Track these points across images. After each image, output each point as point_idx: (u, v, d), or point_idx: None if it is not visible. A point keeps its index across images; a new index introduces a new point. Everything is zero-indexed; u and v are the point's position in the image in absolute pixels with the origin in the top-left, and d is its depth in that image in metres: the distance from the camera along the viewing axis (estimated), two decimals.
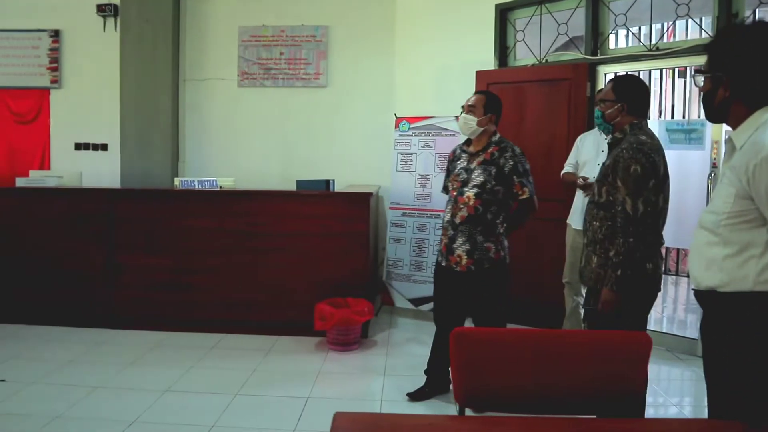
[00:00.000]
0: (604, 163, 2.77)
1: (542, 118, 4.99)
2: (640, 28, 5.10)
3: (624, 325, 2.49)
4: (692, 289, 1.93)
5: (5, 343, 4.45)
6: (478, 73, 5.26)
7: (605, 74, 4.85)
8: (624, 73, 4.40)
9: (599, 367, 1.59)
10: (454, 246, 3.32)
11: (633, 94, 2.69)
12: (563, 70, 4.90)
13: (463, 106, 3.44)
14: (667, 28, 4.69)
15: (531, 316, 5.00)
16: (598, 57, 4.81)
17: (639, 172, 2.49)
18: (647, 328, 2.76)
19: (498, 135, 3.45)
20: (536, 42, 5.25)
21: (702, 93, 1.91)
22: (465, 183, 3.33)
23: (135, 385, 3.71)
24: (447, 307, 3.49)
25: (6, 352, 4.25)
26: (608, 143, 2.83)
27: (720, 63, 1.81)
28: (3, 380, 3.73)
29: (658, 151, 2.59)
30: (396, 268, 5.38)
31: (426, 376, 3.63)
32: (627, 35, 5.17)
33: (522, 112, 5.08)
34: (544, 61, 5.13)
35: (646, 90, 2.82)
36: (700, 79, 1.89)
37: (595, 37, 4.85)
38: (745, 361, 1.70)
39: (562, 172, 4.46)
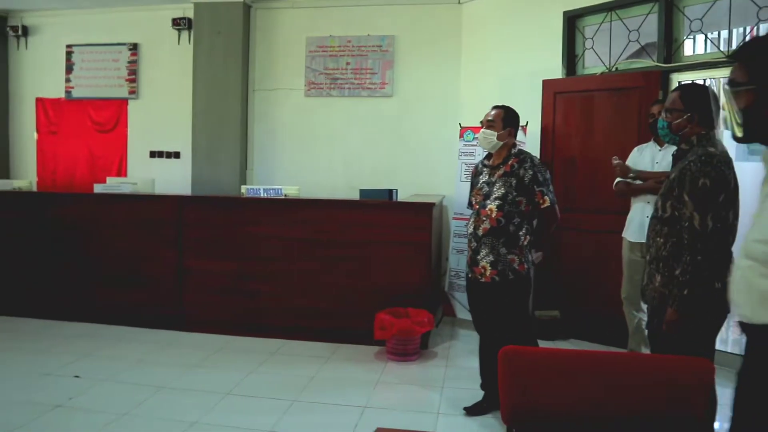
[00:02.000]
0: (668, 177, 2.64)
1: (611, 128, 4.84)
2: (719, 33, 4.87)
3: (690, 347, 2.35)
4: (740, 322, 1.73)
5: (82, 342, 4.67)
6: (544, 81, 5.16)
7: (679, 82, 4.65)
8: (690, 82, 4.23)
9: (655, 392, 1.51)
10: (478, 257, 3.32)
11: (702, 104, 2.55)
12: (634, 78, 4.74)
13: (482, 121, 3.43)
14: (748, 33, 4.45)
15: (595, 332, 4.86)
16: (671, 64, 4.62)
17: (708, 185, 2.35)
18: (716, 348, 2.61)
19: (517, 147, 3.44)
20: (606, 50, 5.10)
21: (741, 107, 1.69)
22: (487, 196, 3.33)
23: (198, 387, 3.82)
24: (481, 317, 3.48)
25: (82, 350, 4.46)
26: (673, 155, 2.71)
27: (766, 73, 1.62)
28: (77, 377, 3.91)
29: (728, 163, 2.44)
30: (458, 279, 5.32)
31: (483, 391, 3.57)
32: (705, 41, 4.93)
33: (590, 121, 4.95)
34: (614, 69, 4.98)
35: (715, 99, 2.67)
36: (735, 93, 1.70)
37: (669, 43, 4.67)
38: None
39: (615, 182, 4.30)
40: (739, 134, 1.76)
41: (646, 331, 4.28)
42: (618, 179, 4.27)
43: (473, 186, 3.56)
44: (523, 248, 3.29)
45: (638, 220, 4.17)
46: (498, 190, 3.30)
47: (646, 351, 4.29)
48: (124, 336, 4.84)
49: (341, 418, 3.40)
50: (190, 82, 6.37)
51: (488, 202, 3.31)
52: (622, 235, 4.32)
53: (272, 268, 4.85)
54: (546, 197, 3.27)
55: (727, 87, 1.76)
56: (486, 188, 3.37)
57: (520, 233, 3.28)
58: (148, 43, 6.64)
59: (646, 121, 4.28)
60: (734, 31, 4.65)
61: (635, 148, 4.36)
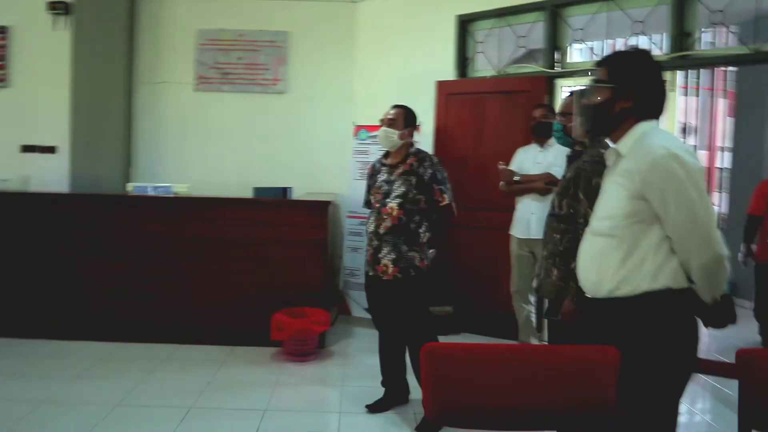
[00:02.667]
0: (564, 176, 2.80)
1: (501, 129, 5.04)
2: (602, 42, 5.21)
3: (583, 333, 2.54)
4: (588, 298, 2.00)
5: None
6: (438, 83, 5.28)
7: (563, 87, 4.94)
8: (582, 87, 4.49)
9: (571, 381, 1.60)
10: (380, 256, 3.36)
11: None
12: (522, 83, 4.96)
13: (381, 120, 3.48)
14: (622, 43, 4.80)
15: (486, 326, 5.05)
16: (557, 70, 4.88)
17: (601, 184, 2.52)
18: None
19: (415, 146, 3.53)
20: (495, 53, 5.30)
21: (592, 104, 1.99)
22: (387, 194, 3.38)
23: (84, 400, 3.56)
24: (382, 314, 3.53)
25: None
26: (567, 156, 2.87)
27: (624, 76, 1.92)
28: None
29: None
30: (353, 277, 5.34)
31: (384, 387, 3.61)
32: (582, 50, 5.26)
33: (481, 122, 5.13)
34: (503, 73, 5.18)
35: None
36: (593, 90, 1.98)
37: (554, 50, 4.92)
38: (649, 360, 1.77)
39: (501, 183, 4.51)
40: (587, 127, 2.14)
41: (535, 323, 4.55)
42: (503, 182, 4.47)
43: (370, 185, 3.57)
44: (424, 245, 3.36)
45: (525, 218, 4.39)
46: (398, 189, 3.34)
47: (535, 341, 4.53)
48: None
49: (241, 422, 3.31)
50: (67, 71, 5.93)
51: (389, 200, 3.35)
52: (510, 233, 4.53)
53: (162, 270, 4.64)
54: (445, 195, 3.35)
55: (589, 84, 2.03)
56: (386, 187, 3.40)
57: (420, 231, 3.34)
58: (19, 26, 6.09)
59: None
60: (610, 41, 5.00)
61: (519, 149, 4.58)
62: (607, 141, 2.06)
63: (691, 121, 7.07)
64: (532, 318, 4.53)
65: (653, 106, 1.95)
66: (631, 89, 1.91)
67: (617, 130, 1.96)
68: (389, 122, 3.46)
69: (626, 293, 1.83)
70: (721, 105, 7.06)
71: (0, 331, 4.61)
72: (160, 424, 3.26)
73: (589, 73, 2.06)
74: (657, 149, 1.78)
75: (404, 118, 3.47)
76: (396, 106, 3.54)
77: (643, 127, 1.91)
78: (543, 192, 4.27)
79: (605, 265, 1.89)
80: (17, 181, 5.18)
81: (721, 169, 7.05)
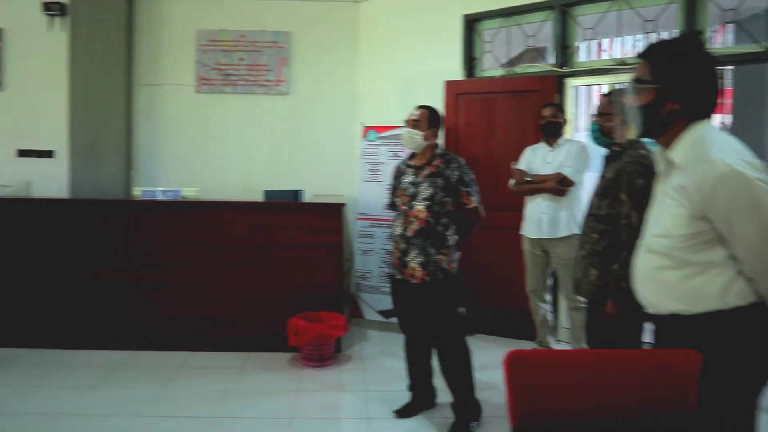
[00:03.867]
0: (603, 176, 2.78)
1: (511, 129, 5.02)
2: (612, 41, 5.21)
3: (623, 336, 2.52)
4: (651, 313, 1.89)
5: None
6: (447, 83, 5.24)
7: (573, 86, 4.93)
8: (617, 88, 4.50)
9: (653, 386, 1.56)
10: (407, 259, 3.29)
11: None
12: (532, 82, 4.95)
13: (406, 121, 3.43)
14: (634, 43, 4.81)
15: (500, 327, 5.03)
16: (567, 69, 4.87)
17: (643, 185, 2.51)
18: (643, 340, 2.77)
19: (441, 148, 3.47)
20: (503, 52, 5.28)
21: (636, 105, 1.83)
22: (414, 197, 3.32)
23: (101, 411, 3.48)
24: (410, 318, 3.47)
25: None
26: (605, 157, 2.85)
27: (671, 74, 1.76)
28: None
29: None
30: (365, 280, 5.29)
31: (410, 392, 3.57)
32: (590, 49, 5.26)
33: (491, 122, 5.10)
34: (512, 72, 5.16)
35: None
36: (635, 91, 1.83)
37: (563, 49, 4.92)
38: (719, 379, 1.68)
39: (510, 183, 4.50)
40: (637, 131, 1.90)
41: (552, 322, 4.54)
42: (513, 181, 4.46)
43: (395, 187, 3.52)
44: (451, 248, 3.31)
45: (536, 218, 4.37)
46: (425, 191, 3.29)
47: (552, 341, 4.53)
48: (4, 359, 4.31)
49: (270, 431, 3.24)
50: (64, 74, 5.79)
51: (415, 203, 3.29)
52: (521, 232, 4.52)
53: (174, 276, 4.54)
54: (472, 197, 3.31)
55: (629, 85, 1.87)
56: (412, 189, 3.34)
57: (448, 233, 3.30)
58: (13, 28, 5.93)
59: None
60: (621, 39, 5.00)
61: (528, 149, 4.57)
62: (653, 143, 1.97)
63: None
64: (548, 317, 4.53)
65: (706, 105, 1.78)
66: (679, 89, 1.75)
67: (667, 133, 1.81)
68: (413, 123, 3.40)
69: (691, 313, 1.72)
70: None
71: (9, 341, 4.48)
72: None
73: (634, 64, 1.88)
74: (718, 166, 1.62)
75: (428, 119, 3.41)
76: (420, 107, 3.49)
77: (696, 131, 1.75)
78: (555, 192, 4.26)
79: (664, 285, 1.79)
80: (18, 187, 5.04)
81: None
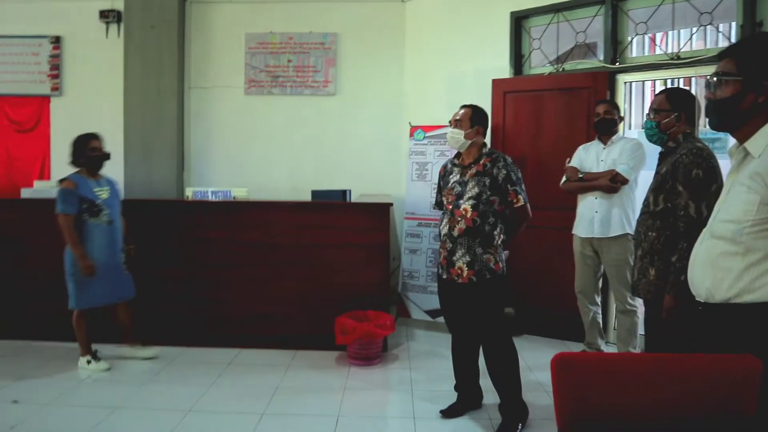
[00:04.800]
0: (658, 172, 2.73)
1: (560, 127, 4.94)
2: (666, 35, 5.06)
3: (682, 333, 2.44)
4: (700, 302, 1.89)
5: (13, 362, 4.30)
6: (494, 81, 5.19)
7: (625, 83, 4.81)
8: (675, 86, 4.43)
9: (707, 392, 1.51)
10: (454, 258, 3.27)
11: (687, 104, 2.74)
12: (582, 79, 4.85)
13: (450, 121, 3.40)
14: (690, 36, 4.65)
15: (548, 327, 4.95)
16: (618, 66, 4.76)
17: (701, 176, 2.52)
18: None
19: (488, 146, 3.42)
20: (552, 49, 5.20)
21: (717, 98, 1.87)
22: (460, 196, 3.28)
23: (156, 405, 3.58)
24: (456, 318, 3.44)
25: (14, 371, 4.08)
26: (660, 153, 2.80)
27: (757, 68, 1.78)
28: (16, 402, 3.57)
29: (714, 157, 2.60)
30: (412, 279, 5.29)
31: (457, 392, 3.55)
32: (644, 43, 5.13)
33: (540, 120, 5.03)
34: (561, 69, 5.08)
35: (696, 101, 2.81)
36: (719, 84, 1.86)
37: (614, 44, 4.80)
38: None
39: (562, 181, 4.42)
40: (716, 122, 1.94)
41: (600, 322, 4.44)
42: (565, 178, 4.37)
43: (441, 187, 3.50)
44: (498, 247, 3.28)
45: (588, 217, 4.28)
46: (471, 190, 3.26)
47: (602, 343, 4.43)
48: (62, 353, 4.47)
49: (317, 428, 3.27)
50: (119, 79, 5.99)
51: (462, 202, 3.27)
52: (573, 232, 4.43)
53: (224, 275, 4.63)
54: (519, 196, 3.26)
55: (716, 76, 1.88)
56: (458, 188, 3.32)
57: (495, 232, 3.26)
58: (72, 36, 6.19)
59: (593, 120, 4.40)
60: (675, 34, 4.86)
61: (580, 147, 4.48)
62: (703, 136, 1.96)
63: None
64: (598, 319, 4.43)
65: None
66: (764, 82, 1.77)
67: (745, 126, 1.83)
68: (455, 123, 3.38)
69: (749, 301, 1.72)
70: None
71: (61, 336, 4.63)
72: (235, 430, 3.23)
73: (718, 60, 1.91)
74: None
75: (470, 118, 3.37)
76: (464, 106, 3.45)
77: None
78: (607, 190, 4.17)
79: (725, 270, 1.79)
80: None
81: None
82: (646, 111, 2.90)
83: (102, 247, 4.07)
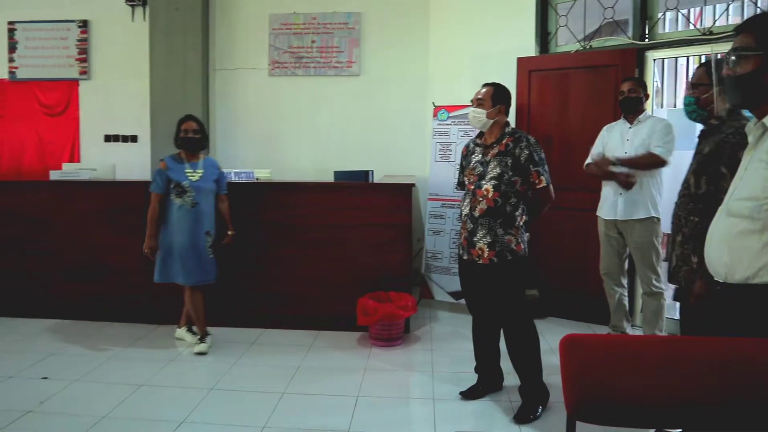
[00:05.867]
0: (699, 152, 2.60)
1: (587, 106, 4.83)
2: (689, 11, 4.89)
3: (715, 318, 2.33)
4: (718, 282, 1.86)
5: (44, 339, 4.41)
6: (519, 59, 5.10)
7: (654, 60, 4.68)
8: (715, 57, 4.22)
9: (725, 375, 1.46)
10: (475, 239, 3.23)
11: None
12: (610, 56, 4.73)
13: (472, 100, 3.33)
14: (722, 11, 4.47)
15: (573, 310, 4.89)
16: (647, 42, 4.63)
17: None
18: None
19: (510, 126, 3.35)
20: (578, 27, 5.07)
21: (736, 74, 1.80)
22: (482, 176, 3.23)
23: (179, 383, 3.64)
24: (477, 299, 3.41)
25: (46, 349, 4.20)
26: (702, 131, 2.67)
27: None
28: (45, 378, 3.67)
29: None
30: (435, 261, 5.26)
31: (477, 374, 3.53)
32: (677, 19, 4.96)
33: (566, 99, 4.93)
34: (588, 47, 4.95)
35: None
36: (737, 59, 1.80)
37: (643, 21, 4.67)
38: None
39: (586, 163, 4.32)
40: (734, 101, 1.92)
41: (626, 304, 4.35)
42: (588, 161, 4.27)
43: (463, 167, 3.45)
44: (519, 228, 3.23)
45: (612, 199, 4.18)
46: (493, 170, 3.21)
47: (628, 326, 4.36)
48: (91, 331, 4.59)
49: (335, 409, 3.29)
50: (145, 62, 6.05)
51: (483, 182, 3.22)
52: (597, 214, 4.34)
53: (246, 255, 4.66)
54: (542, 177, 3.20)
55: (734, 52, 1.82)
56: (480, 168, 3.27)
57: (517, 213, 3.21)
58: (99, 20, 6.26)
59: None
60: (710, 9, 4.68)
61: (604, 128, 4.36)
62: (748, 114, 1.89)
63: None
64: (624, 301, 4.35)
65: None
66: None
67: (765, 104, 1.77)
68: (477, 102, 3.32)
69: (765, 282, 1.67)
70: None
71: (91, 315, 4.78)
72: (256, 408, 3.27)
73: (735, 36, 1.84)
74: None
75: (492, 97, 3.30)
76: (486, 85, 3.39)
77: None
78: (625, 185, 4.03)
79: (743, 249, 1.74)
80: (104, 171, 5.31)
81: None
82: (683, 88, 2.77)
83: (183, 228, 4.11)
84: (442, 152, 5.28)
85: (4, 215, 4.89)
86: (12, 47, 6.37)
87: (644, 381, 1.43)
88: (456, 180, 3.61)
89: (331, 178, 5.16)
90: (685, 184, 2.59)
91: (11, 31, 6.36)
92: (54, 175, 4.98)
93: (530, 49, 5.21)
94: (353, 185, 4.79)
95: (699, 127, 2.74)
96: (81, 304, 4.82)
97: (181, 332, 4.40)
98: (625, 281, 4.37)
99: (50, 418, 3.16)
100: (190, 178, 4.14)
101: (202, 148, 4.26)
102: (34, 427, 3.05)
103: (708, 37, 4.30)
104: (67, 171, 5.06)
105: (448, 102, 5.40)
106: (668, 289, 3.75)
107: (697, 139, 2.69)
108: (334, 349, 4.26)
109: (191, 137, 4.18)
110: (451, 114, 5.27)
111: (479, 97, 3.32)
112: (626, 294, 4.38)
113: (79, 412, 3.20)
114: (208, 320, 4.35)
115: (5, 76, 6.43)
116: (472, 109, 3.32)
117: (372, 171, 5.12)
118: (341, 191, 4.72)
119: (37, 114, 6.37)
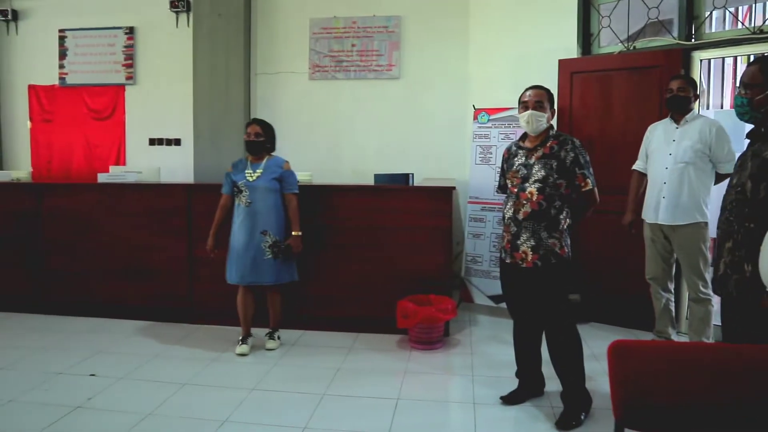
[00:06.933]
0: (757, 155, 2.40)
1: (630, 108, 4.74)
2: (737, 9, 4.76)
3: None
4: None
5: (92, 338, 4.52)
6: (560, 61, 5.04)
7: (701, 60, 4.57)
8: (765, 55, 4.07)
9: None
10: (518, 242, 3.19)
11: None
12: (654, 57, 4.64)
13: (522, 102, 3.28)
14: None
15: (616, 315, 4.80)
16: (693, 42, 4.52)
17: None
18: None
19: (555, 128, 3.31)
20: (621, 27, 4.99)
21: None
22: (525, 179, 3.19)
23: (222, 382, 3.69)
24: (519, 303, 3.37)
25: (93, 346, 4.31)
26: (751, 133, 2.52)
27: None
28: (93, 375, 3.76)
29: None
30: (475, 264, 5.23)
31: (518, 379, 3.49)
32: (725, 18, 4.84)
33: (608, 101, 4.85)
34: (632, 48, 4.87)
35: None
36: None
37: (689, 20, 4.57)
38: None
39: (634, 167, 4.25)
40: None
41: (673, 311, 4.24)
42: (637, 166, 4.23)
43: (506, 169, 3.42)
44: (564, 232, 3.19)
45: (654, 202, 4.09)
46: (538, 173, 3.17)
47: (673, 332, 4.26)
48: (135, 330, 4.70)
49: (375, 411, 3.29)
50: (189, 67, 6.17)
51: (527, 185, 3.19)
52: (642, 217, 4.25)
53: None
54: (587, 180, 3.16)
55: None
56: (524, 171, 3.23)
57: (561, 216, 3.17)
58: (145, 26, 6.41)
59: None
60: (761, 6, 4.55)
61: (649, 127, 4.25)
62: None
63: None
64: (670, 306, 4.25)
65: None
66: None
67: None
68: (535, 105, 3.25)
69: None
70: None
71: (136, 314, 4.90)
72: (297, 409, 3.29)
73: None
74: None
75: (548, 100, 3.28)
76: (537, 88, 3.33)
77: None
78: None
79: None
80: (149, 173, 5.43)
81: None
82: (732, 89, 2.64)
83: (239, 227, 4.21)
84: (483, 155, 5.25)
85: (54, 216, 5.05)
86: (62, 54, 6.58)
87: (693, 388, 1.40)
88: (497, 183, 3.58)
89: (371, 181, 5.17)
90: (740, 187, 2.41)
91: (62, 39, 6.57)
92: (101, 178, 5.11)
93: (572, 50, 5.15)
94: (393, 188, 4.79)
95: (747, 126, 2.59)
96: (126, 303, 4.94)
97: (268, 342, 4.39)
98: (671, 286, 4.27)
99: (98, 414, 3.24)
100: (248, 178, 4.21)
101: (264, 151, 4.31)
102: (85, 421, 3.14)
103: (758, 35, 4.18)
104: (114, 174, 5.19)
105: (488, 105, 5.36)
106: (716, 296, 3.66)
107: (747, 139, 2.55)
108: (373, 351, 4.27)
109: (253, 140, 4.27)
110: (492, 117, 5.24)
111: (538, 99, 3.24)
112: (673, 299, 4.29)
113: (126, 409, 3.28)
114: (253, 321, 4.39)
115: (56, 81, 6.64)
116: (531, 112, 3.24)
117: (412, 174, 5.11)
118: (381, 194, 4.73)
119: (85, 118, 6.57)
